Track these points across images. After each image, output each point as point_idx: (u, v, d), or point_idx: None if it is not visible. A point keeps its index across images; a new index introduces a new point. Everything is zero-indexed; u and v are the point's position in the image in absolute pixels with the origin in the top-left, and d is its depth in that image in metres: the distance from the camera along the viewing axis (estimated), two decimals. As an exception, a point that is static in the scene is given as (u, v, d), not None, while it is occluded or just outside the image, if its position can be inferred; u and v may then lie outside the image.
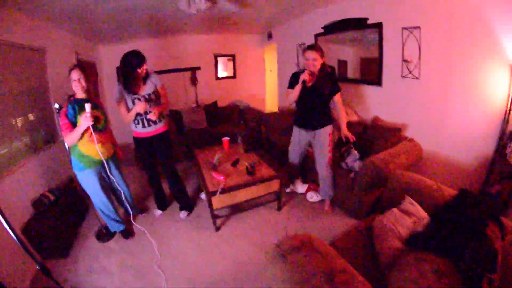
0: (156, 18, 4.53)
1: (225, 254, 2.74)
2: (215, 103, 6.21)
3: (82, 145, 2.57)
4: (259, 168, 3.29)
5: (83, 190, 2.85)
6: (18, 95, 2.88)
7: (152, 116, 2.88)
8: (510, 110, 2.53)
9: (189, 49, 6.59)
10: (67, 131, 2.45)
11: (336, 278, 1.20)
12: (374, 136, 3.49)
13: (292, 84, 3.02)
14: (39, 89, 3.32)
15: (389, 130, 3.40)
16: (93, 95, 2.75)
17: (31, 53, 3.19)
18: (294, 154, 3.45)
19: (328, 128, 3.12)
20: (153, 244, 2.84)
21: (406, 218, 1.86)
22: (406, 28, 3.23)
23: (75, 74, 2.50)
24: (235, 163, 3.46)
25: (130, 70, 2.74)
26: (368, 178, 2.80)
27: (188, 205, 3.50)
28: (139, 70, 2.75)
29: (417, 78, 3.25)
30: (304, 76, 2.76)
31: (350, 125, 3.87)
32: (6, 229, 1.50)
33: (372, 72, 3.93)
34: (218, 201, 2.94)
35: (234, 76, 7.38)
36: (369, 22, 3.76)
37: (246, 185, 3.02)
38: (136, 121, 2.95)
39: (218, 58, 7.02)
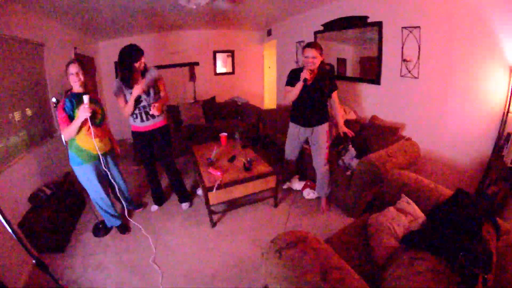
0: (155, 13, 4.50)
1: (221, 250, 2.75)
2: (213, 98, 6.20)
3: (80, 139, 2.55)
4: (256, 164, 3.29)
5: (80, 184, 2.84)
6: (16, 90, 2.85)
7: (154, 111, 2.85)
8: (508, 112, 2.54)
9: (188, 45, 6.56)
10: (65, 124, 2.44)
11: (331, 275, 1.20)
12: (371, 134, 3.49)
13: (290, 82, 3.00)
14: (37, 83, 3.29)
15: (387, 129, 3.40)
16: (91, 90, 2.74)
17: (29, 47, 3.16)
18: (290, 151, 3.45)
19: (326, 125, 3.12)
20: (149, 240, 2.85)
21: (402, 217, 1.87)
22: (406, 28, 3.23)
23: (73, 68, 2.48)
24: (232, 159, 3.46)
25: (128, 64, 2.73)
26: (365, 176, 2.81)
27: (188, 196, 3.55)
28: (136, 64, 2.74)
29: (416, 77, 3.26)
30: (305, 75, 2.75)
31: (348, 123, 3.88)
32: (3, 224, 1.49)
33: (371, 71, 3.93)
34: (215, 197, 2.94)
35: (232, 72, 7.35)
36: (369, 20, 3.75)
37: (242, 181, 3.02)
38: (134, 115, 2.94)
39: (217, 54, 6.99)
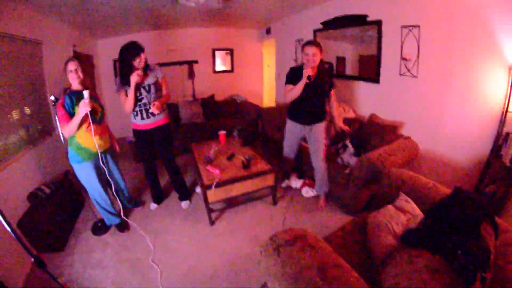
0: (154, 11, 4.48)
1: (220, 247, 2.75)
2: (212, 96, 6.20)
3: (80, 137, 2.55)
4: (254, 162, 3.29)
5: (79, 183, 2.83)
6: (14, 88, 2.84)
7: (154, 110, 2.84)
8: (507, 111, 2.54)
9: (187, 43, 6.54)
10: (65, 121, 2.43)
11: (329, 272, 1.20)
12: (370, 133, 3.50)
13: (290, 80, 3.00)
14: (35, 81, 3.28)
15: (385, 128, 3.41)
16: (90, 87, 2.73)
17: (27, 45, 3.15)
18: (289, 149, 3.45)
19: (324, 123, 3.14)
20: (146, 238, 2.85)
21: (401, 215, 1.87)
22: (405, 27, 3.23)
23: (72, 65, 2.47)
24: (231, 157, 3.46)
25: (127, 61, 2.72)
26: (364, 174, 2.81)
27: (189, 195, 3.56)
28: (135, 63, 2.72)
29: (415, 76, 3.26)
30: (309, 72, 2.75)
31: (347, 122, 3.89)
32: (2, 223, 1.49)
33: (370, 70, 3.93)
34: (213, 195, 2.94)
35: (231, 70, 7.35)
36: (368, 19, 3.75)
37: (241, 179, 3.02)
38: (135, 112, 2.93)
39: (216, 52, 6.98)
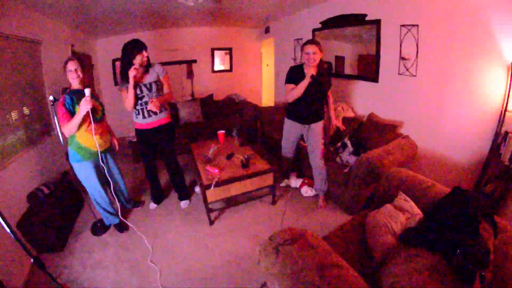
0: (153, 10, 4.48)
1: (219, 247, 2.75)
2: (211, 96, 6.19)
3: (80, 136, 2.55)
4: (253, 162, 3.29)
5: (78, 183, 2.83)
6: (13, 88, 2.83)
7: (152, 107, 2.82)
8: (505, 110, 2.55)
9: (186, 42, 6.54)
10: (66, 120, 2.43)
11: (328, 272, 1.21)
12: (369, 132, 3.50)
13: (291, 79, 3.00)
14: (34, 82, 3.27)
15: (384, 127, 3.41)
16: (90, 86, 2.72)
17: (26, 45, 3.14)
18: (288, 148, 3.45)
19: (322, 122, 3.15)
20: (144, 239, 2.85)
21: (400, 214, 1.87)
22: (404, 26, 3.23)
23: (72, 65, 2.47)
24: (230, 157, 3.46)
25: (127, 59, 2.72)
26: (363, 174, 2.82)
27: (188, 194, 3.56)
28: (136, 60, 2.71)
29: (414, 75, 3.26)
30: (313, 71, 2.76)
31: (346, 121, 3.90)
32: (1, 223, 1.48)
33: (369, 69, 3.93)
34: (212, 195, 2.94)
35: (230, 70, 7.34)
36: (367, 18, 3.75)
37: (240, 178, 3.02)
38: (136, 111, 2.92)
39: (215, 52, 6.98)
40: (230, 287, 2.31)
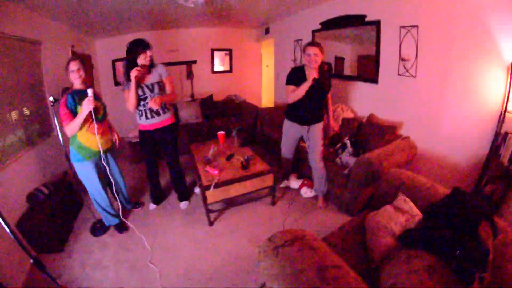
0: (153, 11, 4.48)
1: (218, 248, 2.75)
2: (211, 97, 6.19)
3: (81, 136, 2.57)
4: (253, 163, 3.29)
5: (78, 183, 2.83)
6: (13, 88, 2.82)
7: (152, 104, 2.80)
8: (505, 111, 2.55)
9: (186, 43, 6.55)
10: (68, 120, 2.44)
11: (328, 273, 1.20)
12: (369, 133, 3.50)
13: (292, 80, 3.00)
14: (34, 82, 3.27)
15: (384, 128, 3.41)
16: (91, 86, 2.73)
17: (26, 45, 3.13)
18: (287, 149, 3.46)
19: (321, 123, 3.16)
20: (143, 239, 2.84)
21: (399, 215, 1.87)
22: (404, 27, 3.23)
23: (74, 65, 2.49)
24: (229, 158, 3.46)
25: (131, 58, 2.73)
26: (362, 175, 2.82)
27: (188, 195, 3.56)
28: (140, 60, 2.72)
29: (413, 76, 3.26)
30: (314, 74, 2.77)
31: (345, 122, 3.90)
32: (1, 224, 1.48)
33: (368, 70, 3.94)
34: (212, 196, 2.94)
35: (230, 71, 7.35)
36: (367, 19, 3.76)
37: (240, 179, 3.02)
38: (139, 112, 2.93)
39: (215, 52, 6.99)
40: (229, 288, 2.31)
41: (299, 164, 3.87)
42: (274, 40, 6.73)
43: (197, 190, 3.71)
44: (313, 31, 4.93)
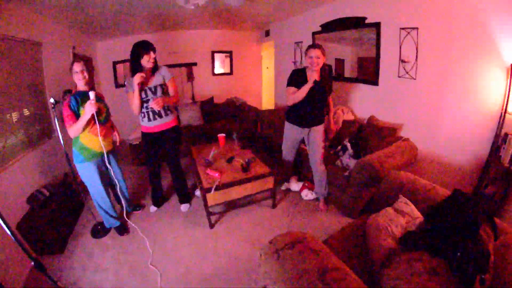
0: (153, 13, 4.49)
1: (219, 251, 2.75)
2: (211, 99, 6.20)
3: (84, 137, 2.58)
4: (254, 165, 3.29)
5: (79, 185, 2.83)
6: (14, 90, 2.83)
7: (153, 105, 2.81)
8: (505, 112, 2.55)
9: (186, 45, 6.56)
10: (71, 121, 2.45)
11: (329, 275, 1.20)
12: (369, 135, 3.50)
13: (293, 82, 3.00)
14: (35, 83, 3.27)
15: (384, 130, 3.41)
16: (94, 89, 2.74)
17: (27, 46, 3.14)
18: (288, 152, 3.45)
19: (322, 126, 3.16)
20: (145, 241, 2.84)
21: (400, 218, 1.87)
22: (404, 29, 3.24)
23: (78, 66, 2.50)
24: (230, 160, 3.46)
25: (136, 58, 2.74)
26: (363, 177, 2.81)
27: (189, 198, 3.56)
28: (143, 61, 2.73)
29: (413, 78, 3.26)
30: (315, 76, 2.79)
31: (346, 124, 3.90)
32: (1, 226, 1.48)
33: (369, 72, 3.94)
34: (213, 198, 2.94)
35: (231, 73, 7.35)
36: (367, 21, 3.76)
37: (240, 182, 3.02)
38: (142, 114, 2.93)
39: (215, 54, 7.00)
40: (230, 290, 2.30)
41: (299, 167, 3.87)
42: (275, 42, 6.74)
43: (197, 192, 3.71)
44: (314, 33, 4.94)
